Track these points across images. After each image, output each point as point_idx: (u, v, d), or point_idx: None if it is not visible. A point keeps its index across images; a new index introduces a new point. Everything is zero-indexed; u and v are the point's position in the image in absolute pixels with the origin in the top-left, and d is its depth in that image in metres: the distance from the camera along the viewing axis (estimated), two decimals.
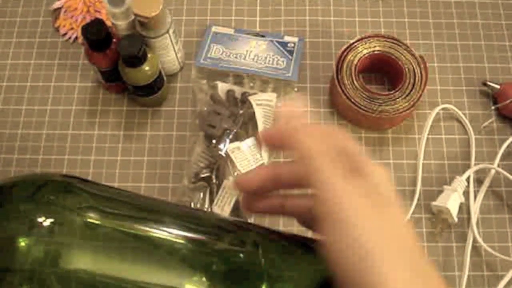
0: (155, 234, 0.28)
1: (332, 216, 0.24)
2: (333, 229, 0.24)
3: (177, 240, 0.28)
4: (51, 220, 0.27)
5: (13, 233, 0.27)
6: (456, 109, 0.62)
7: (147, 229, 0.29)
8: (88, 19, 0.67)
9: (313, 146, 0.26)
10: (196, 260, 0.28)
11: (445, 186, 0.58)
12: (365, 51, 0.62)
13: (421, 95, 0.60)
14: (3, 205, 0.28)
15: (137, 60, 0.55)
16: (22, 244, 0.26)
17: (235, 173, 0.58)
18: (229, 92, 0.61)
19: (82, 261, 0.27)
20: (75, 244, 0.27)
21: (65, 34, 0.68)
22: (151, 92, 0.60)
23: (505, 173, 0.58)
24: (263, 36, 0.66)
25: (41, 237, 0.27)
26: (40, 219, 0.27)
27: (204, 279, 0.27)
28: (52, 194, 0.28)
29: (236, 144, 0.58)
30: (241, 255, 0.28)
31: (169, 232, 0.29)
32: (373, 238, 0.23)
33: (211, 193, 0.58)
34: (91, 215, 0.28)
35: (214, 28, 0.66)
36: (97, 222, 0.28)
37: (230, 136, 0.59)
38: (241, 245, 0.29)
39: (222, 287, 0.27)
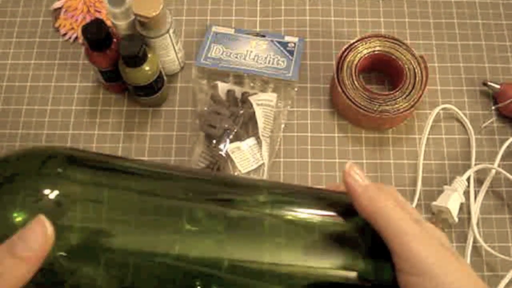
0: (176, 204, 0.28)
1: (416, 268, 0.27)
2: (420, 278, 0.27)
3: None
4: (58, 193, 0.27)
5: (19, 208, 0.26)
6: (457, 109, 0.62)
7: (168, 201, 0.28)
8: (88, 19, 0.67)
9: (393, 211, 0.29)
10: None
11: (445, 186, 0.58)
12: (365, 51, 0.62)
13: (421, 95, 0.60)
14: (9, 181, 0.27)
15: (137, 60, 0.55)
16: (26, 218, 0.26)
17: (236, 173, 0.58)
18: (229, 92, 0.61)
19: (95, 236, 0.26)
20: (84, 217, 0.26)
21: (65, 34, 0.68)
22: (151, 92, 0.60)
23: (505, 173, 0.58)
24: (263, 36, 0.66)
25: (48, 211, 0.26)
26: (47, 193, 0.27)
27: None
28: (59, 167, 0.28)
29: (237, 144, 0.58)
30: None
31: (186, 198, 0.28)
32: (453, 276, 0.27)
33: None
34: (101, 187, 0.28)
35: (214, 28, 0.66)
36: (107, 194, 0.27)
37: (231, 136, 0.59)
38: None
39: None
